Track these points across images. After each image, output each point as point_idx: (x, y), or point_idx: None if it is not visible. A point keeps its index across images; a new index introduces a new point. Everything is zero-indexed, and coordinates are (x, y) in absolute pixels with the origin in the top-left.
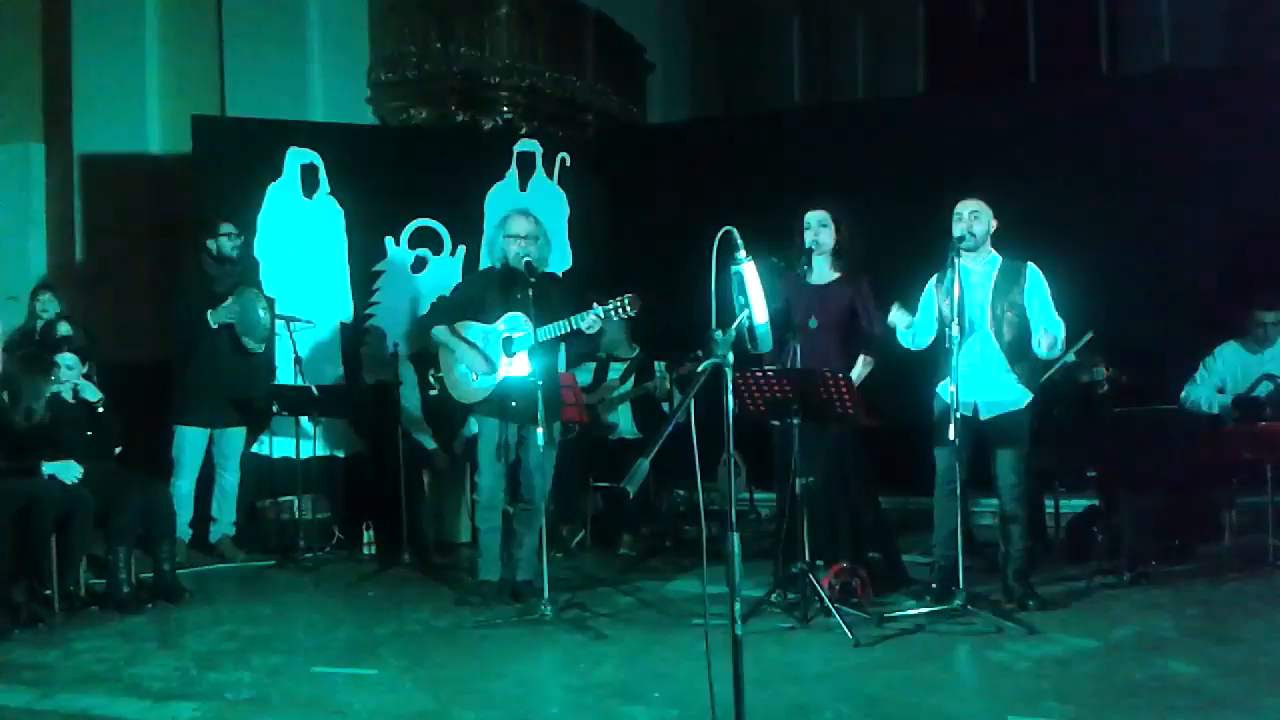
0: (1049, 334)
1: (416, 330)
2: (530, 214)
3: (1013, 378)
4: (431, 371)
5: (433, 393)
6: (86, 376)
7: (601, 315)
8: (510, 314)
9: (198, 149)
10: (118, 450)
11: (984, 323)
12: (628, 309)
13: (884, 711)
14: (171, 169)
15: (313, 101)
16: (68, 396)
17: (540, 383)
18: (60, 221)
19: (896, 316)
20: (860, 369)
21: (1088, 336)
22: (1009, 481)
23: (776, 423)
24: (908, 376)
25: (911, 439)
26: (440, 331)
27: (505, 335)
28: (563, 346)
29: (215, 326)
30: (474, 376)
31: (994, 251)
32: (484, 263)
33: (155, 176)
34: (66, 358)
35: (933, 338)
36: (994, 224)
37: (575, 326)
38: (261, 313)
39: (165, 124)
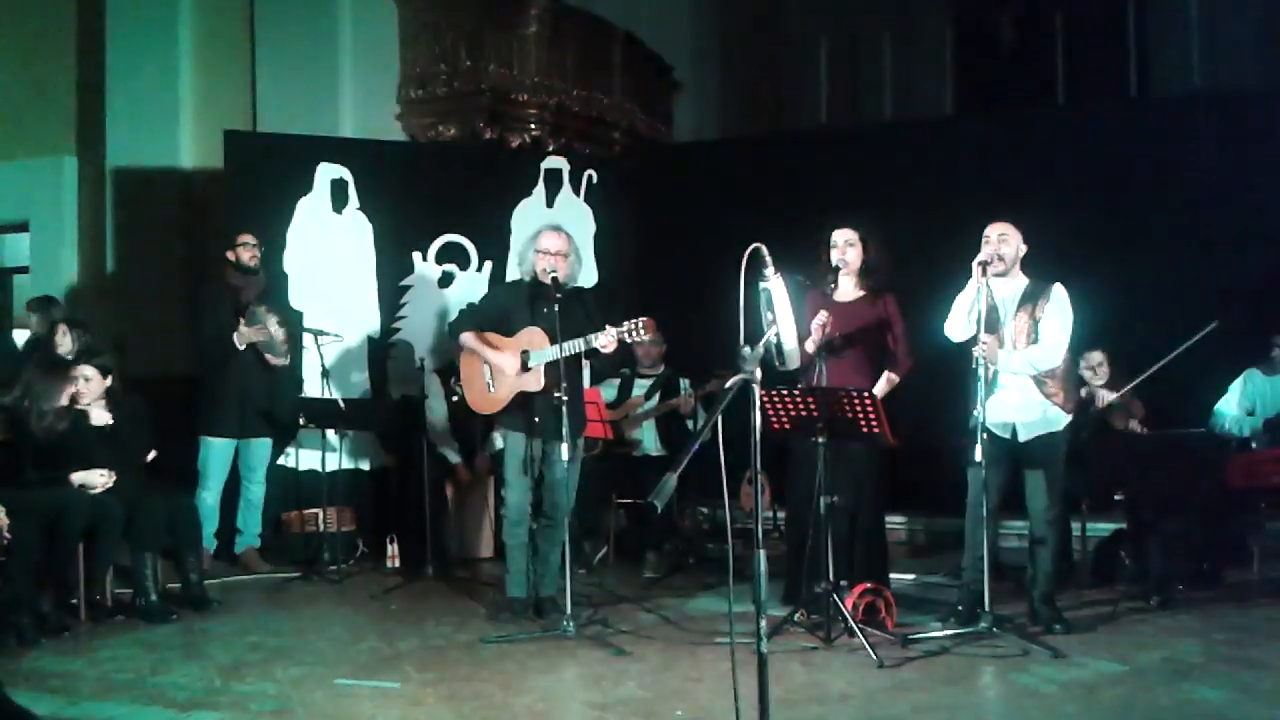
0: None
1: (442, 337)
2: (563, 231)
3: (1047, 398)
4: (453, 379)
5: (454, 399)
6: (109, 392)
7: (614, 337)
8: (532, 328)
9: (229, 163)
10: (151, 456)
11: (1012, 344)
12: (640, 333)
13: None
14: (203, 183)
15: (343, 117)
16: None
17: (565, 398)
18: (92, 234)
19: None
20: (883, 386)
21: (1213, 325)
22: (1041, 504)
23: (793, 443)
24: (932, 397)
25: (936, 460)
26: (468, 338)
27: (524, 348)
28: (586, 362)
29: (242, 348)
30: (492, 388)
31: (1023, 275)
32: (512, 276)
33: (187, 190)
34: (85, 370)
35: (967, 334)
36: (1023, 247)
37: (590, 346)
38: (273, 330)
39: (197, 138)
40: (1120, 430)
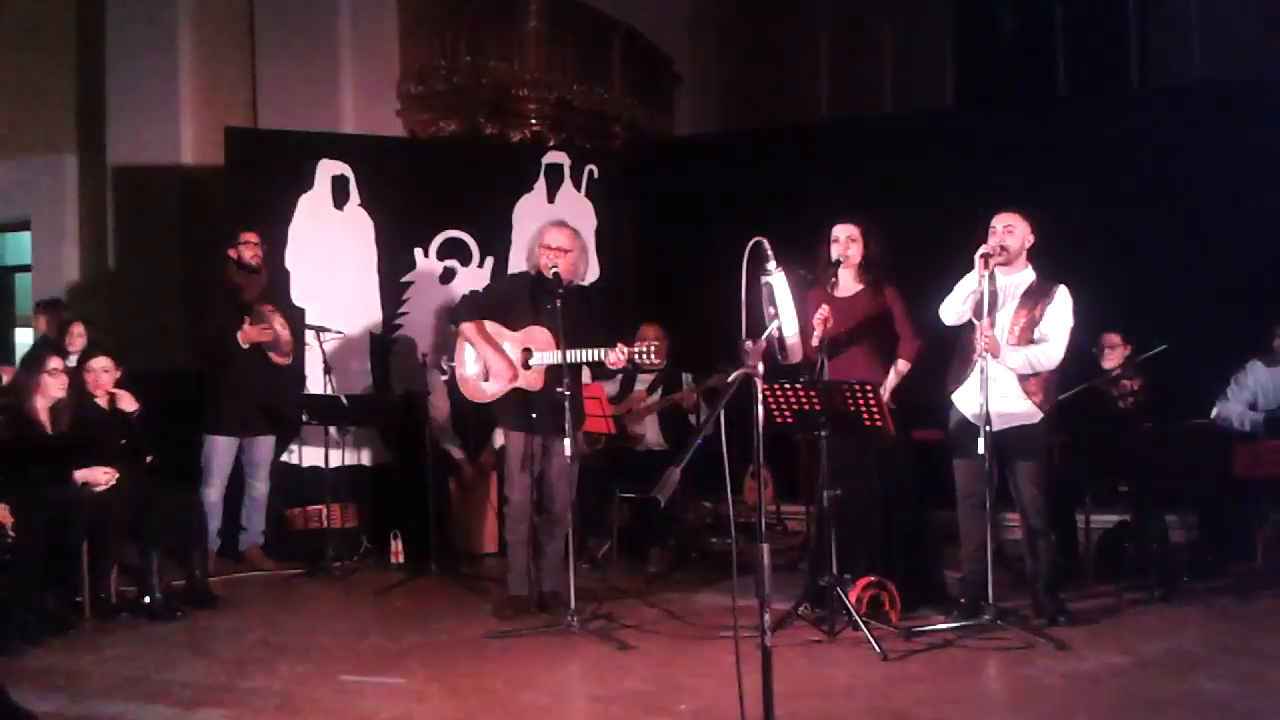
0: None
1: (445, 334)
2: (568, 226)
3: (1025, 395)
4: (446, 358)
5: (444, 378)
6: (119, 384)
7: (625, 356)
8: (535, 326)
9: (230, 160)
10: (150, 458)
11: (1004, 336)
12: (651, 357)
13: None
14: (204, 180)
15: (343, 114)
16: (101, 402)
17: (566, 393)
18: (93, 232)
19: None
20: (895, 375)
21: (1161, 348)
22: (1030, 495)
23: (799, 437)
24: (928, 392)
25: (934, 453)
26: (469, 329)
27: (525, 345)
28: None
29: (246, 347)
30: (486, 378)
31: (1029, 267)
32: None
33: (187, 187)
34: (101, 360)
35: (960, 319)
36: (1030, 239)
37: (598, 359)
38: (278, 330)
39: (198, 136)
40: (1115, 397)
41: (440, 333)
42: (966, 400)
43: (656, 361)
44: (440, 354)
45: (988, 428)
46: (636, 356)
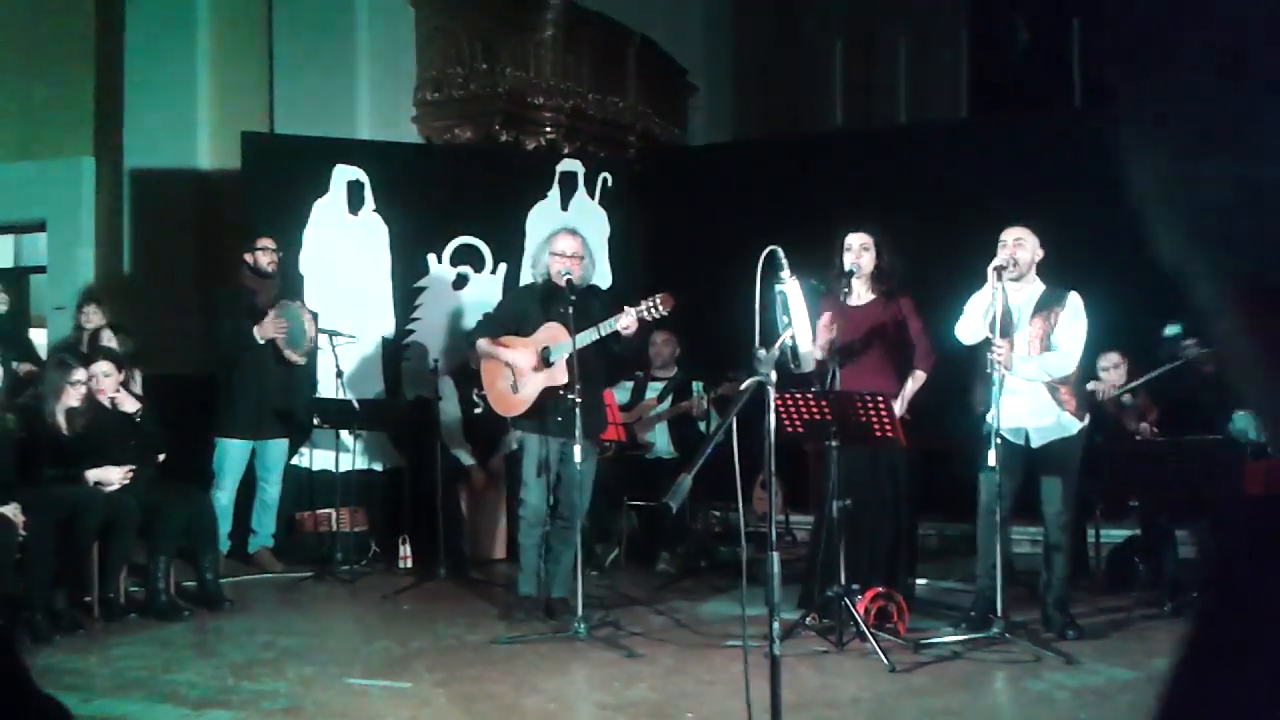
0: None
1: (460, 345)
2: (578, 233)
3: (1059, 405)
4: (475, 390)
5: (477, 410)
6: (125, 385)
7: (634, 316)
8: (550, 324)
9: (246, 165)
10: (161, 457)
11: (1026, 351)
12: (659, 309)
13: None
14: (220, 184)
15: (360, 120)
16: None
17: (578, 400)
18: (109, 234)
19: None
20: (912, 385)
21: (1177, 363)
22: (1055, 510)
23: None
24: (942, 401)
25: (948, 464)
26: (484, 343)
27: (544, 344)
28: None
29: (262, 342)
30: (517, 389)
31: (1039, 280)
32: (525, 278)
33: (204, 191)
34: (101, 365)
35: (978, 337)
36: (1040, 253)
37: (611, 329)
38: (306, 325)
39: (215, 140)
40: (1132, 431)
41: (453, 336)
42: (1003, 416)
43: (664, 310)
44: (452, 360)
45: (999, 440)
46: (646, 314)
